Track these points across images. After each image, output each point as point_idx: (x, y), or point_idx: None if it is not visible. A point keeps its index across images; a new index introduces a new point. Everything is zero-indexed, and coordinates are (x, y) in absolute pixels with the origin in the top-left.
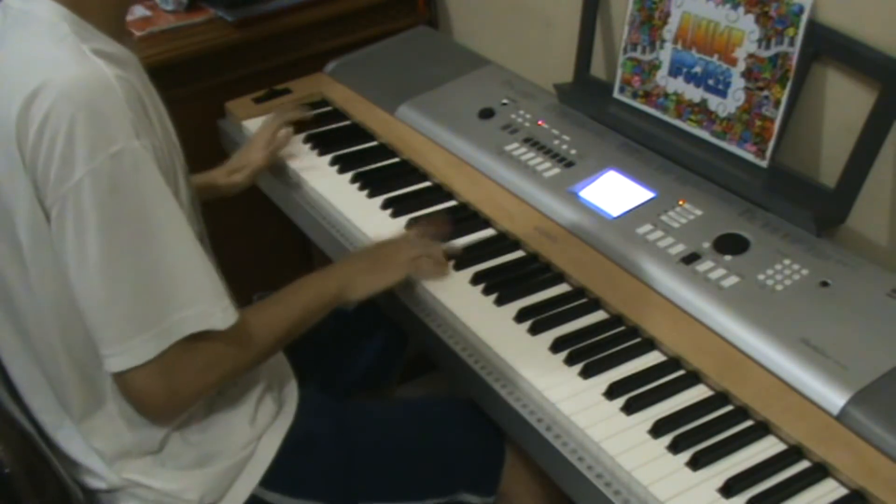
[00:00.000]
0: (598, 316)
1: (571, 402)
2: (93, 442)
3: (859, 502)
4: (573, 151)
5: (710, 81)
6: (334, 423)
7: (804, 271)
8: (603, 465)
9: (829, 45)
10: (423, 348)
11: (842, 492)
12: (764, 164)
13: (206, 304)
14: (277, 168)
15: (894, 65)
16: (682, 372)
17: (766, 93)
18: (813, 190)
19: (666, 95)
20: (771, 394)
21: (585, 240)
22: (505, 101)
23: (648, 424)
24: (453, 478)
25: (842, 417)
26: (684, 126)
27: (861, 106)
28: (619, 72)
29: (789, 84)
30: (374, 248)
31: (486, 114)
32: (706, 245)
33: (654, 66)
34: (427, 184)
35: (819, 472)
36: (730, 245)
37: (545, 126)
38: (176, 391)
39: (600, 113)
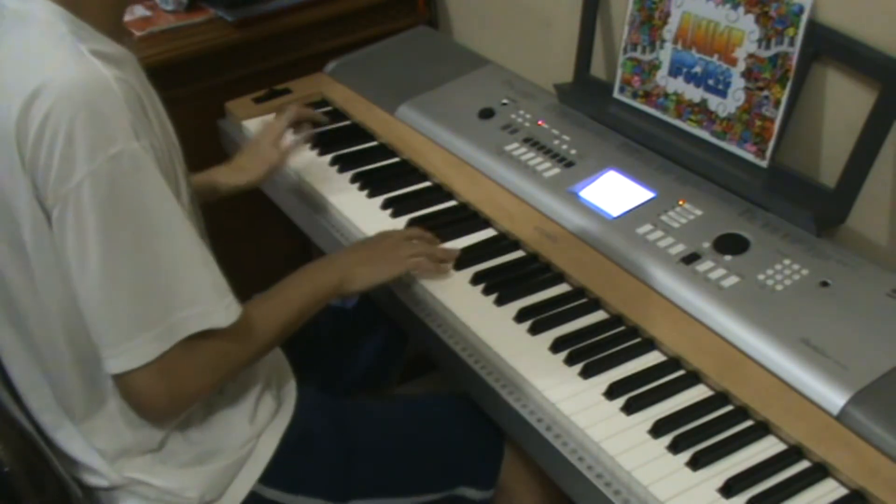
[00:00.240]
0: (598, 316)
1: (571, 402)
2: (93, 441)
3: (859, 502)
4: (573, 151)
5: (710, 81)
6: (333, 420)
7: (804, 271)
8: (603, 465)
9: (829, 45)
10: (423, 348)
11: (842, 492)
12: (764, 164)
13: (208, 302)
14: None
15: (894, 65)
16: (682, 372)
17: (766, 93)
18: (813, 190)
19: (666, 95)
20: (771, 394)
21: (585, 240)
22: (505, 101)
23: (648, 424)
24: (452, 472)
25: (842, 417)
26: (684, 126)
27: (861, 106)
28: (619, 72)
29: (789, 84)
30: (374, 241)
31: (486, 114)
32: (706, 245)
33: (654, 66)
34: (427, 184)
35: (819, 472)
36: (730, 245)
37: (545, 126)
38: (177, 391)
39: (600, 113)
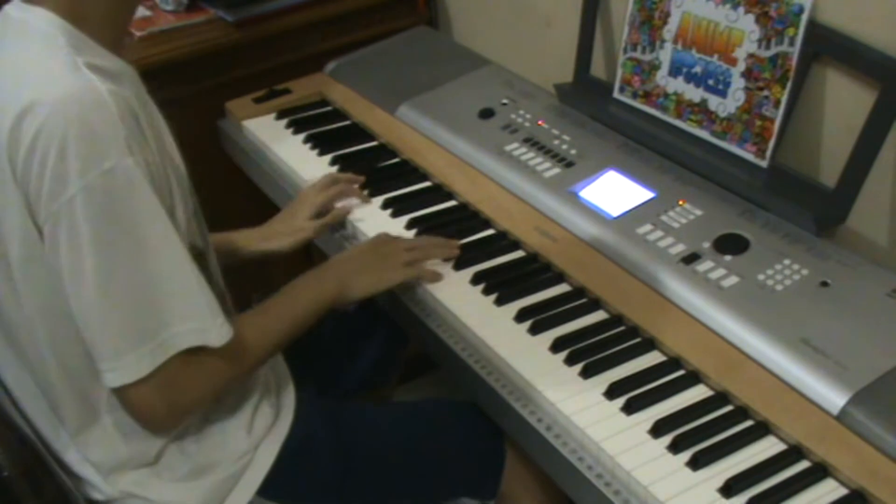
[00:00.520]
0: (598, 316)
1: (571, 403)
2: (88, 454)
3: (859, 502)
4: (573, 151)
5: (710, 81)
6: (332, 428)
7: (804, 271)
8: (603, 466)
9: (829, 45)
10: (422, 348)
11: (842, 492)
12: (764, 164)
13: (201, 320)
14: (278, 168)
15: (894, 65)
16: (682, 372)
17: (766, 93)
18: (813, 190)
19: (666, 95)
20: (771, 394)
21: (585, 240)
22: (505, 101)
23: (648, 424)
24: (453, 482)
25: (842, 417)
26: (684, 126)
27: (861, 106)
28: (619, 72)
29: (789, 84)
30: (373, 246)
31: (486, 114)
32: (706, 245)
33: (654, 66)
34: (427, 184)
35: (819, 472)
36: (730, 245)
37: (545, 126)
38: (175, 404)
39: (600, 113)
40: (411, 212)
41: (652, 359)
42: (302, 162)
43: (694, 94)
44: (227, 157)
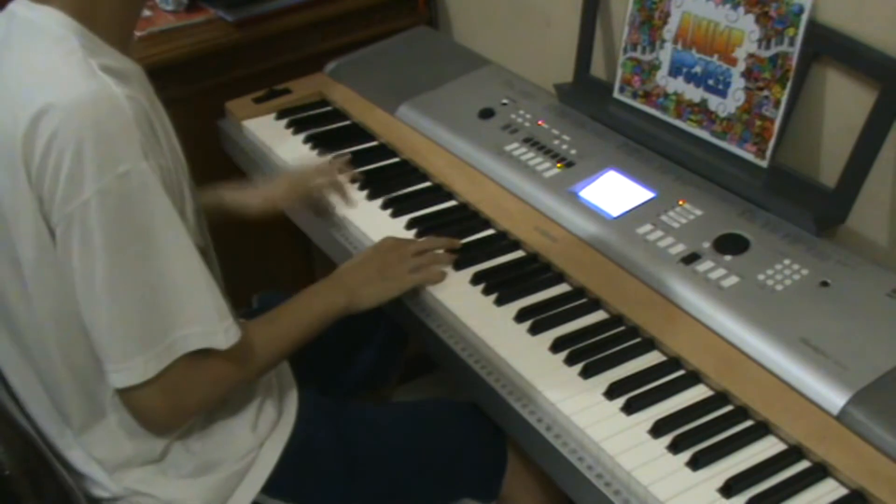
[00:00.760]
0: (598, 316)
1: (571, 402)
2: (93, 452)
3: (859, 502)
4: (573, 151)
5: (710, 81)
6: (335, 428)
7: (804, 271)
8: (603, 466)
9: (829, 45)
10: (423, 348)
11: (842, 492)
12: (764, 164)
13: (209, 323)
14: (278, 168)
15: (894, 65)
16: (682, 372)
17: (766, 93)
18: (813, 190)
19: (666, 95)
20: (771, 394)
21: (585, 240)
22: (505, 101)
23: (648, 424)
24: (455, 483)
25: (842, 417)
26: (684, 126)
27: (861, 106)
28: (619, 72)
29: (789, 84)
30: (379, 254)
31: (486, 114)
32: (706, 245)
33: (654, 66)
34: (427, 184)
35: (819, 472)
36: (730, 245)
37: (545, 126)
38: (179, 406)
39: (600, 113)
40: (411, 212)
41: (652, 359)
42: (302, 162)
43: (694, 94)
44: (227, 157)
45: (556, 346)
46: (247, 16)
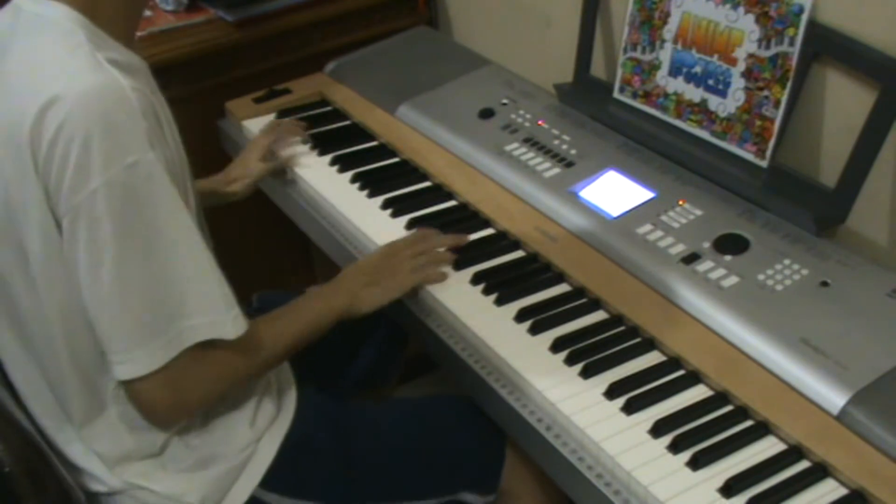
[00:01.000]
0: (598, 316)
1: (571, 402)
2: (93, 446)
3: (859, 502)
4: (573, 151)
5: (710, 81)
6: (333, 424)
7: (804, 271)
8: (603, 465)
9: (829, 45)
10: (423, 348)
11: (842, 492)
12: (764, 164)
13: (216, 313)
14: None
15: (894, 65)
16: (682, 372)
17: (766, 93)
18: (813, 190)
19: (666, 95)
20: (771, 394)
21: (585, 240)
22: (505, 101)
23: (648, 424)
24: (454, 477)
25: (842, 417)
26: (684, 126)
27: (861, 106)
28: (619, 72)
29: (789, 84)
30: (380, 258)
31: (486, 114)
32: (706, 245)
33: (654, 66)
34: (427, 184)
35: (819, 472)
36: (730, 245)
37: (545, 126)
38: (182, 399)
39: (600, 113)
40: (411, 212)
41: (652, 359)
42: (302, 162)
43: (694, 94)
44: (227, 157)
45: (556, 346)
46: (247, 16)
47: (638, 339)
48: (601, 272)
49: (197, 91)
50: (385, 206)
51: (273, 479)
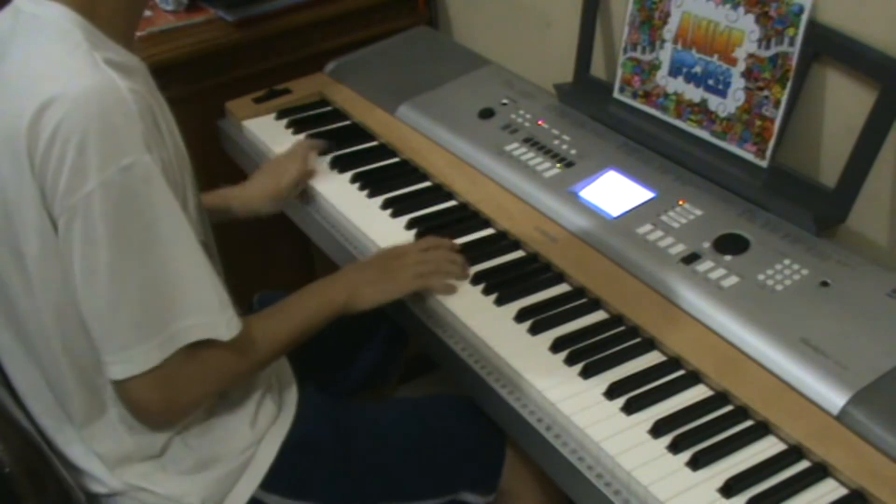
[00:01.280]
0: (598, 316)
1: (571, 402)
2: (94, 447)
3: (859, 502)
4: (573, 151)
5: (710, 81)
6: (333, 424)
7: (804, 271)
8: (603, 465)
9: (829, 45)
10: (423, 348)
11: (842, 492)
12: (764, 164)
13: (211, 314)
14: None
15: (894, 65)
16: (682, 372)
17: (766, 93)
18: (813, 190)
19: (666, 95)
20: (771, 394)
21: (585, 240)
22: (505, 101)
23: (648, 424)
24: (454, 477)
25: (842, 417)
26: (684, 126)
27: (861, 106)
28: (619, 72)
29: (789, 84)
30: (383, 258)
31: (486, 114)
32: (706, 245)
33: (654, 66)
34: (427, 184)
35: (819, 472)
36: (730, 245)
37: (545, 126)
38: (175, 399)
39: (600, 113)
40: (411, 212)
41: (652, 359)
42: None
43: (694, 94)
44: (227, 157)
45: (556, 346)
46: (247, 16)
47: (638, 339)
48: (601, 272)
49: (197, 91)
50: (385, 206)
51: (274, 481)
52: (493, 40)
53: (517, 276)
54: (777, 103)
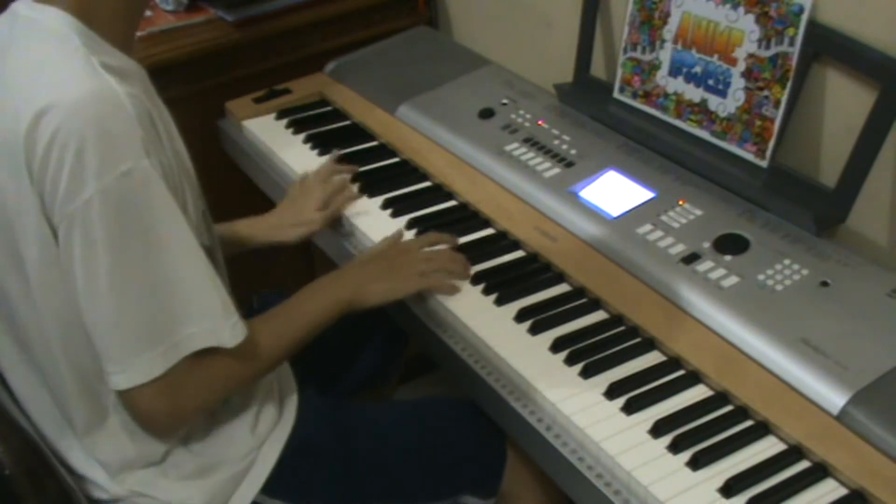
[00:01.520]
0: (598, 316)
1: (571, 402)
2: (95, 454)
3: (859, 502)
4: (573, 151)
5: (710, 81)
6: (334, 427)
7: (804, 271)
8: (603, 466)
9: (829, 45)
10: (423, 348)
11: (842, 492)
12: (764, 164)
13: (215, 320)
14: (278, 168)
15: (894, 65)
16: (682, 372)
17: (766, 93)
18: (813, 190)
19: (666, 95)
20: (771, 394)
21: (585, 240)
22: (505, 101)
23: (648, 424)
24: (455, 480)
25: (842, 417)
26: (684, 126)
27: (861, 106)
28: (619, 72)
29: (789, 84)
30: (387, 254)
31: (486, 114)
32: (706, 245)
33: (654, 66)
34: (427, 184)
35: (819, 472)
36: (730, 245)
37: (545, 126)
38: (181, 407)
39: (600, 113)
40: (411, 212)
41: (652, 359)
42: (302, 162)
43: (694, 94)
44: (227, 157)
45: (556, 346)
46: (247, 16)
47: (638, 339)
48: (601, 272)
49: (197, 91)
50: (385, 205)
51: (275, 485)
52: (493, 40)
53: (517, 276)
54: (777, 103)
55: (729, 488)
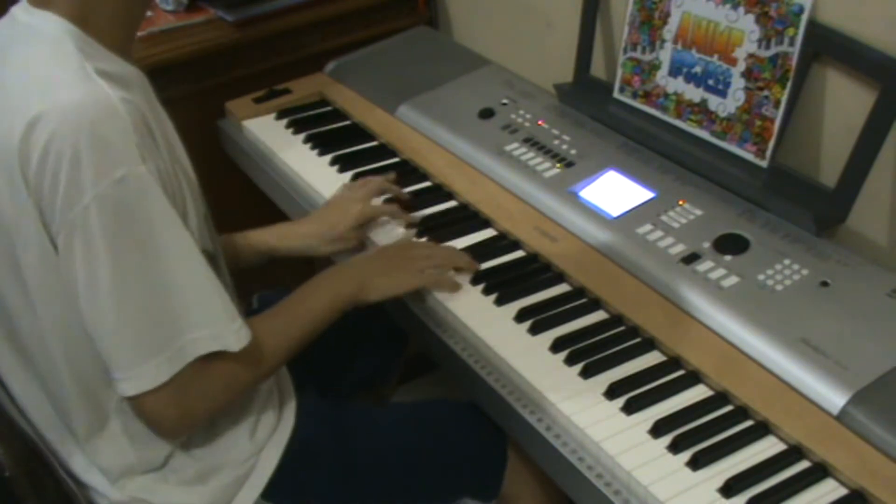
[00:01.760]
0: (598, 316)
1: (571, 402)
2: (96, 460)
3: (859, 502)
4: (573, 151)
5: (710, 81)
6: (333, 430)
7: (804, 271)
8: (603, 466)
9: (829, 45)
10: (423, 348)
11: (842, 492)
12: (764, 164)
13: (218, 325)
14: (278, 168)
15: (894, 65)
16: (682, 372)
17: (766, 93)
18: (813, 190)
19: (666, 95)
20: (771, 394)
21: (585, 240)
22: (505, 101)
23: (648, 424)
24: (456, 483)
25: (842, 417)
26: (684, 126)
27: (861, 106)
28: (619, 72)
29: (789, 84)
30: (390, 251)
31: (486, 114)
32: (706, 245)
33: (654, 66)
34: (427, 184)
35: (819, 472)
36: (730, 245)
37: (545, 126)
38: (189, 411)
39: (600, 113)
40: (411, 212)
41: (652, 359)
42: (302, 162)
43: (694, 94)
44: (227, 157)
45: (556, 346)
46: (247, 16)
47: (638, 339)
48: (601, 272)
49: (197, 91)
50: None
51: (275, 489)
52: (493, 40)
53: (517, 276)
54: (777, 103)
55: (729, 488)
